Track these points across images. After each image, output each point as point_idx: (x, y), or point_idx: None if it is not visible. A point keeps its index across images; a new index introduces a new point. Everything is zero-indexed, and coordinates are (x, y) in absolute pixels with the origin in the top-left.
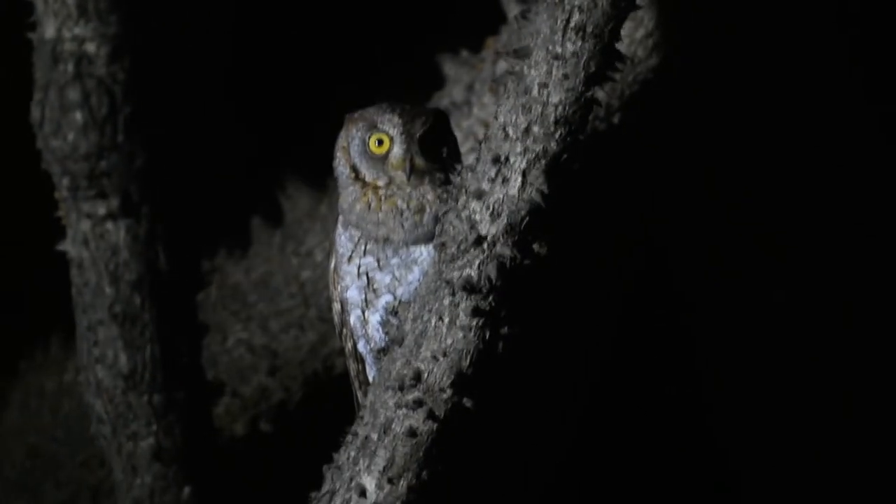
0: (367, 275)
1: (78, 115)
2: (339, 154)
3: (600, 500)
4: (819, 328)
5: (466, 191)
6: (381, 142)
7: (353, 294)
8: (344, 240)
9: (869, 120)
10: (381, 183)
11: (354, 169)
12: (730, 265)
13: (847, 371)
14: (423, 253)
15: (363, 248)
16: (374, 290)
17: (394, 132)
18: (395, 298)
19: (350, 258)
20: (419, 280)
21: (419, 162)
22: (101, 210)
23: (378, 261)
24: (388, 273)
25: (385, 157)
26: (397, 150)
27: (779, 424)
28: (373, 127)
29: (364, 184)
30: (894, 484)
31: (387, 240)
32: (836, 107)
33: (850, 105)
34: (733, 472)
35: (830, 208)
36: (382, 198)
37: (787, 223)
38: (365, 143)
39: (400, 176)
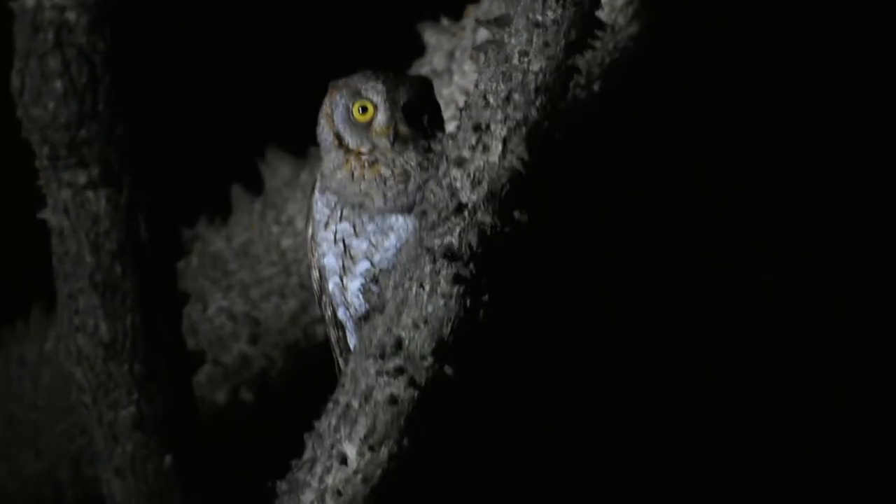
0: (343, 241)
1: (58, 84)
2: (322, 121)
3: (585, 485)
4: (811, 322)
5: (447, 158)
6: (364, 109)
7: (331, 261)
8: (321, 206)
9: (862, 109)
10: (364, 150)
11: (338, 136)
12: (721, 259)
13: (840, 365)
14: (400, 219)
15: (339, 213)
16: (352, 257)
17: (378, 99)
18: (372, 265)
19: (327, 224)
20: (396, 247)
21: (403, 129)
22: (82, 179)
23: (354, 227)
24: (365, 239)
25: (369, 125)
26: (381, 118)
27: (771, 418)
28: (357, 94)
29: (347, 151)
30: (888, 479)
31: (362, 206)
32: (828, 96)
33: (843, 95)
34: (725, 466)
35: (823, 203)
36: (366, 165)
37: (779, 218)
38: (349, 111)
39: (384, 143)
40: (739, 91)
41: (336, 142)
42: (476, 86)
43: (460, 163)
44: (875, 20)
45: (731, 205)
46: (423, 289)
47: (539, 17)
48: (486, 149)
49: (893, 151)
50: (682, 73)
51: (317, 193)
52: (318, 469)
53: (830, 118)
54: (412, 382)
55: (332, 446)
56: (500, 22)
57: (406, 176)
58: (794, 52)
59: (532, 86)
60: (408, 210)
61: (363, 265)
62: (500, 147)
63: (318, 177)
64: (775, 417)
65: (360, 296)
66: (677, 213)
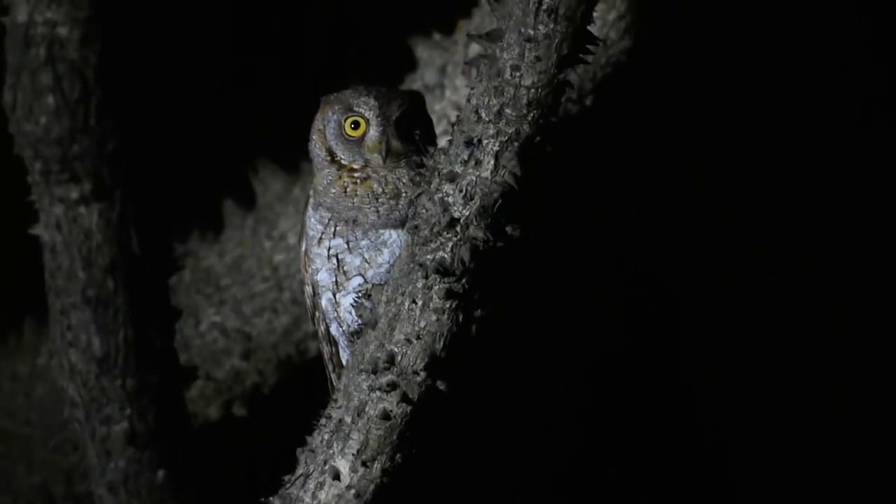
0: (336, 257)
1: (50, 99)
2: (314, 136)
3: (579, 492)
4: (810, 327)
5: (439, 173)
6: (356, 124)
7: (324, 276)
8: (314, 221)
9: (860, 116)
10: (356, 165)
11: (330, 151)
12: (721, 264)
13: (839, 370)
14: (393, 235)
15: (333, 229)
16: (345, 273)
17: (370, 115)
18: (365, 281)
19: (320, 240)
20: (389, 262)
21: (395, 144)
22: (74, 194)
23: (348, 243)
24: (358, 255)
25: (361, 140)
26: (373, 133)
27: (770, 423)
28: (349, 109)
29: (340, 166)
30: (888, 482)
31: (356, 221)
32: (826, 102)
33: (842, 101)
34: (724, 471)
35: (823, 208)
36: (358, 181)
37: (778, 223)
38: (341, 126)
39: (376, 158)
40: (738, 96)
41: (328, 157)
42: (468, 100)
43: (452, 178)
44: (872, 26)
45: (730, 210)
46: (416, 304)
47: (531, 32)
48: (478, 164)
49: (892, 157)
50: (679, 80)
51: (310, 209)
52: (311, 484)
53: (829, 124)
54: (405, 398)
55: (325, 462)
56: (492, 36)
57: (397, 192)
58: (793, 58)
59: (524, 100)
60: (401, 225)
61: (356, 281)
62: (492, 162)
63: (311, 192)
64: (774, 422)
65: (353, 311)
66: (676, 219)
